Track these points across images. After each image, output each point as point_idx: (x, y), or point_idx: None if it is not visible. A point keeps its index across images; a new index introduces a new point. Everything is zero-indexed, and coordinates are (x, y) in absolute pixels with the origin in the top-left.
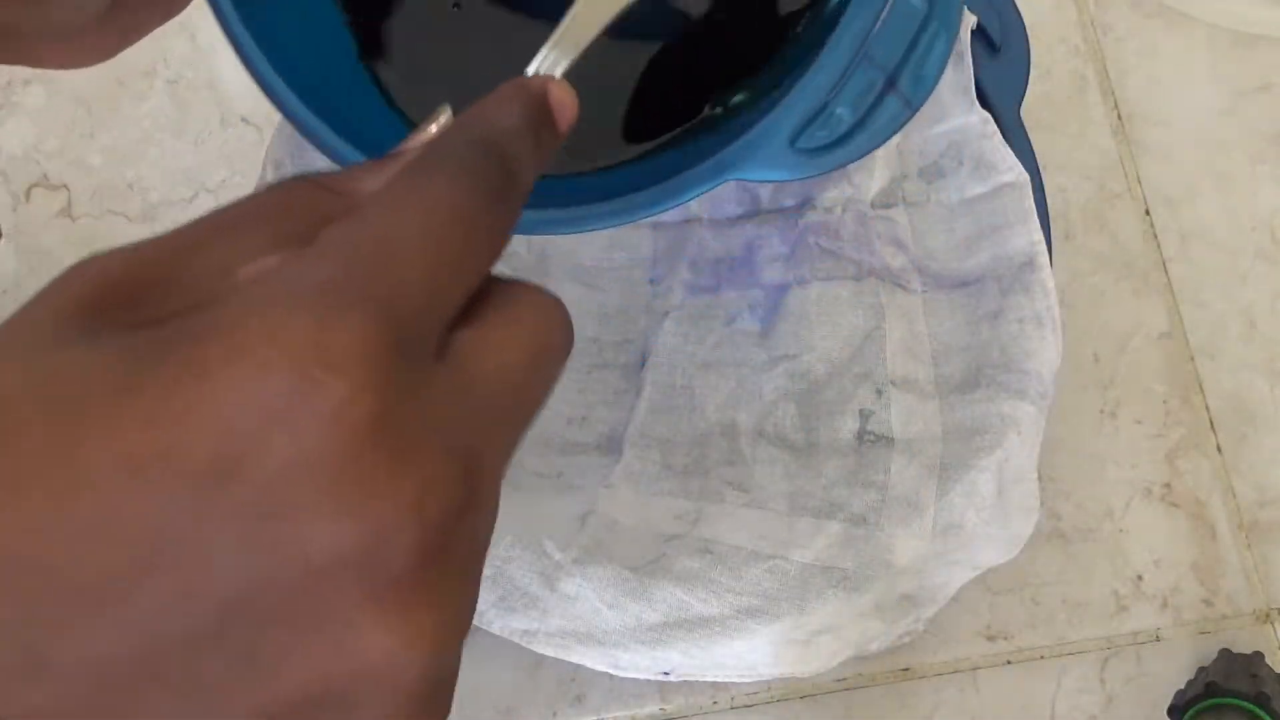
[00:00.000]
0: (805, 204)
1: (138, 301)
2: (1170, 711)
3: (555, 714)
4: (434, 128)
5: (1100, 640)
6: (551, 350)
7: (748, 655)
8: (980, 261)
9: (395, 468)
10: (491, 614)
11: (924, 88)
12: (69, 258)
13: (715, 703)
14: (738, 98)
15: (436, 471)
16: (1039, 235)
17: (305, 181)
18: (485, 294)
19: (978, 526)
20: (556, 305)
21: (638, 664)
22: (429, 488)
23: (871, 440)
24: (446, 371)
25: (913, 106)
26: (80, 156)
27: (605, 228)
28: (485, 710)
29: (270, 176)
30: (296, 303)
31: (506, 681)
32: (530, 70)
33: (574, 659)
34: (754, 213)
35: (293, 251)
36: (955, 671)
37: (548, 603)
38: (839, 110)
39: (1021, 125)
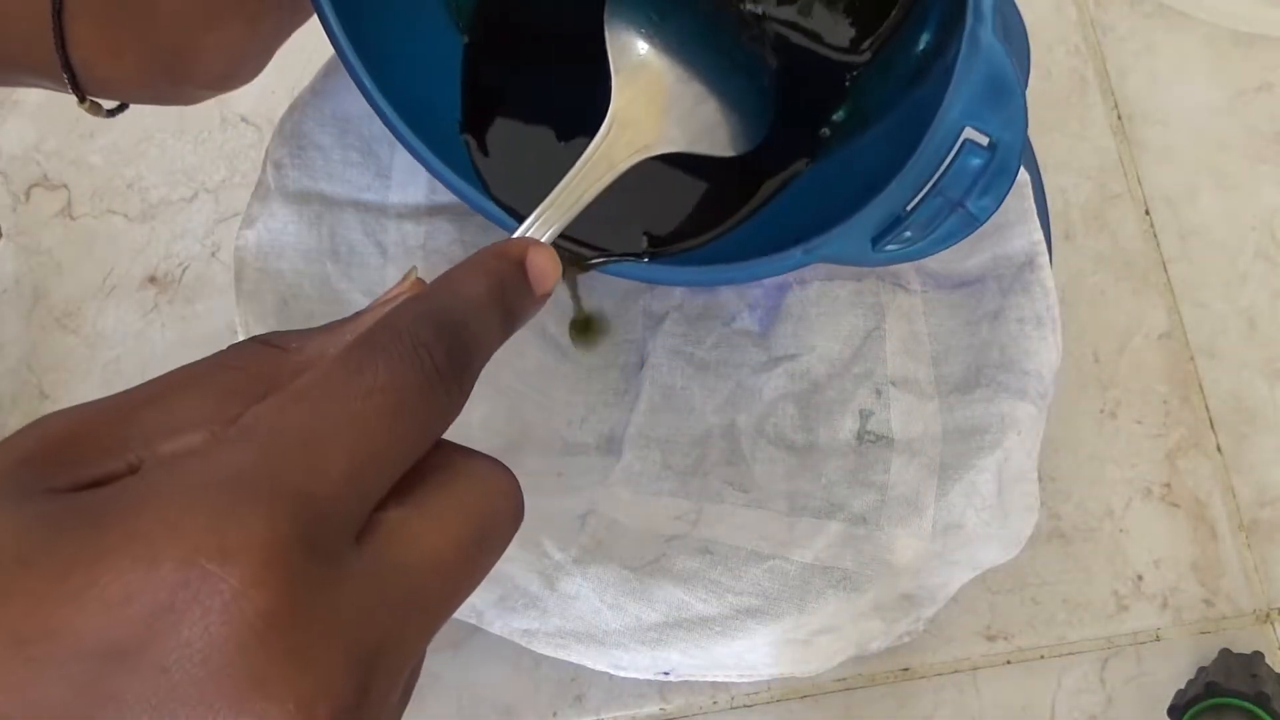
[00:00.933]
0: None
1: (72, 461)
2: (1170, 711)
3: (555, 714)
4: (400, 288)
5: (1100, 640)
6: (491, 530)
7: (748, 655)
8: (980, 261)
9: (287, 668)
10: (491, 614)
11: (988, 211)
12: (69, 257)
13: (715, 702)
14: (833, 122)
15: (332, 673)
16: (1039, 235)
17: (258, 344)
18: (425, 465)
19: (978, 526)
20: (502, 478)
21: (638, 664)
22: (321, 690)
23: (871, 440)
24: (364, 560)
25: (979, 221)
26: (80, 156)
27: (692, 285)
28: (485, 710)
29: (270, 177)
30: (201, 492)
31: (506, 681)
32: (519, 232)
33: (573, 659)
34: None
35: (216, 431)
36: (955, 671)
37: (547, 602)
38: (912, 223)
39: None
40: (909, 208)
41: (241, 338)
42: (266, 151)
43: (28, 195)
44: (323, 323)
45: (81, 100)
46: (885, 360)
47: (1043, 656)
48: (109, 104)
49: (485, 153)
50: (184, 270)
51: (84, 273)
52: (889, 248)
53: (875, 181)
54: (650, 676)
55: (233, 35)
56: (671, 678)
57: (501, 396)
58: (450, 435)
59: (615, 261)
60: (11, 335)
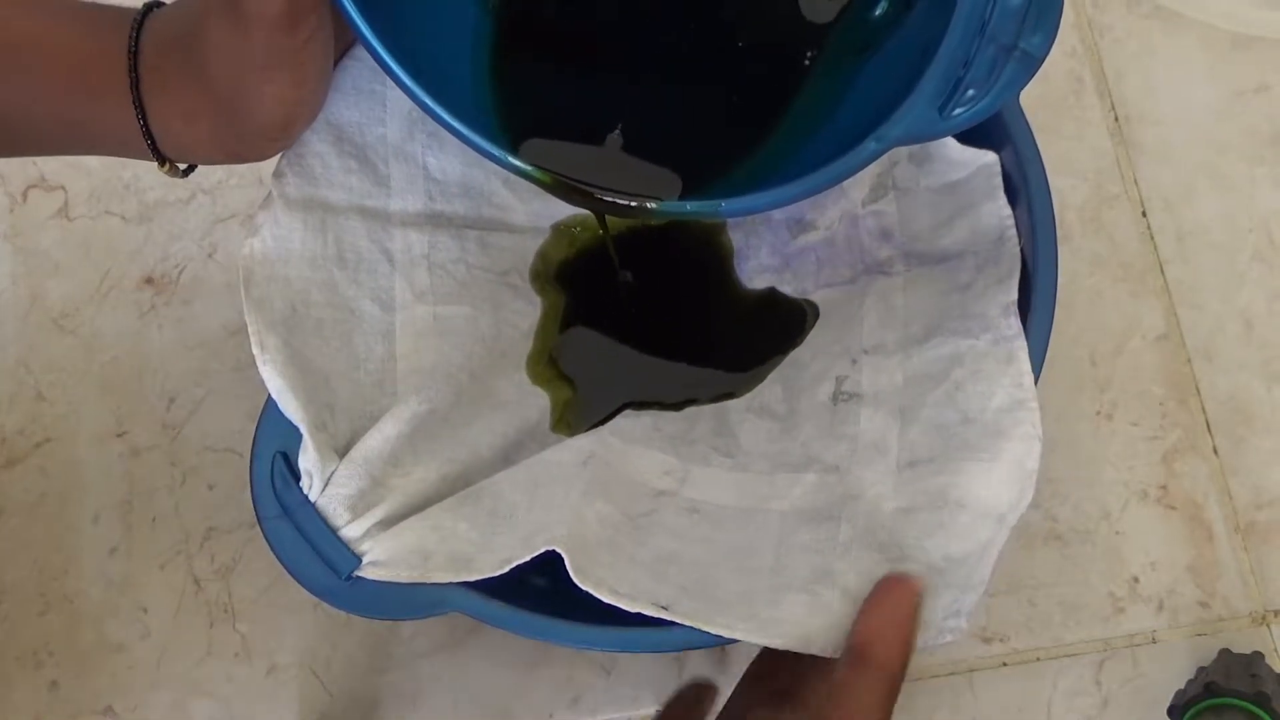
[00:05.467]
0: (801, 221)
1: None
2: (1170, 711)
3: (551, 715)
4: None
5: (1097, 642)
6: None
7: (750, 597)
8: (959, 238)
9: None
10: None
11: (1043, 47)
12: (66, 258)
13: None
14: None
15: None
16: (1008, 210)
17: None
18: None
19: (954, 453)
20: None
21: (638, 585)
22: None
23: (845, 399)
24: None
25: (1037, 59)
26: (77, 157)
27: (789, 203)
28: (482, 711)
29: (273, 186)
30: None
31: (503, 682)
32: None
33: (584, 582)
34: (739, 222)
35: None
36: (951, 674)
37: (575, 509)
38: (972, 80)
39: (1021, 110)
40: (965, 65)
41: (255, 346)
42: (277, 163)
43: (25, 196)
44: (332, 329)
45: (162, 164)
46: (862, 336)
47: (1039, 659)
48: (183, 164)
49: (511, 110)
50: (181, 271)
51: (81, 274)
52: (956, 112)
53: (931, 54)
54: (648, 609)
55: (283, 82)
56: (671, 614)
57: (501, 410)
58: (458, 454)
59: (703, 204)
60: (9, 336)
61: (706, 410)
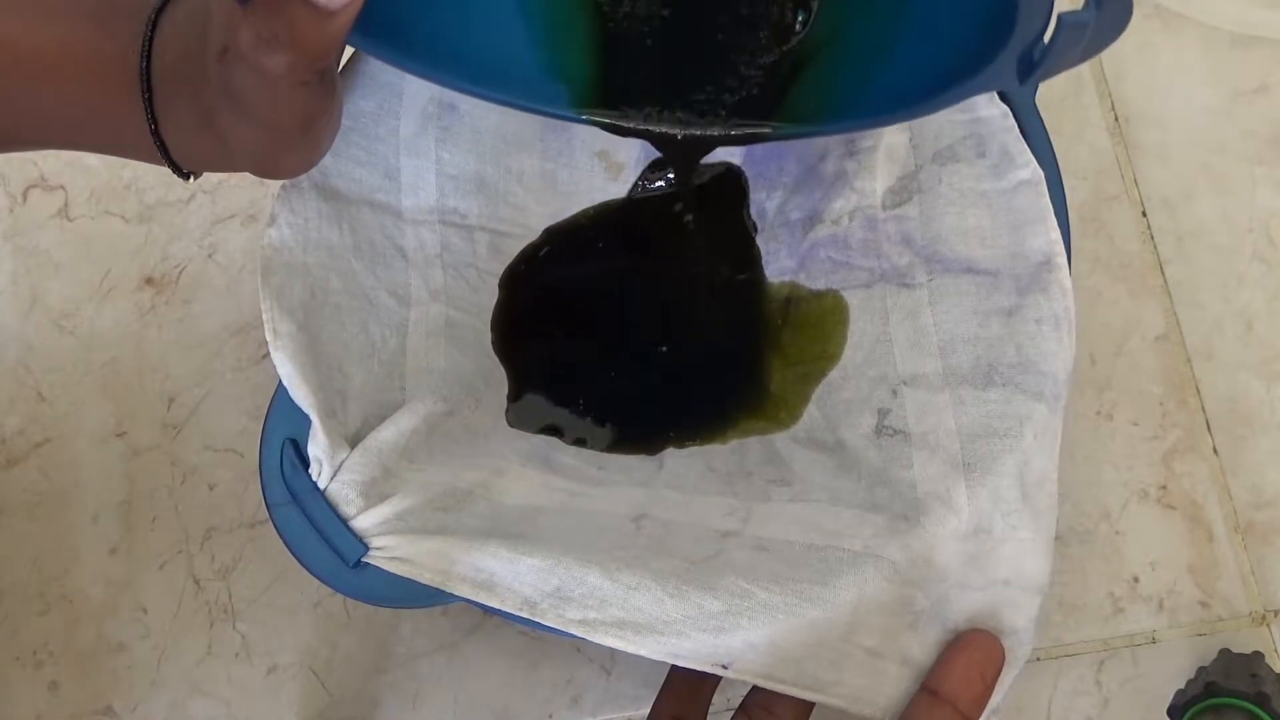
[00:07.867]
0: (812, 217)
1: None
2: (1170, 711)
3: (551, 716)
4: None
5: (1096, 642)
6: None
7: (816, 655)
8: (994, 255)
9: None
10: (546, 604)
11: None
12: (66, 258)
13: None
14: None
15: None
16: (1057, 234)
17: None
18: None
19: (1005, 531)
20: None
21: (699, 653)
22: None
23: (890, 434)
24: None
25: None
26: (77, 157)
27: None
28: (481, 712)
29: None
30: None
31: (503, 683)
32: None
33: (630, 649)
34: (760, 228)
35: None
36: None
37: (607, 592)
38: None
39: (1038, 113)
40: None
41: (269, 333)
42: None
43: (25, 196)
44: (350, 315)
45: (186, 179)
46: (895, 363)
47: (1039, 658)
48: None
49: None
50: (181, 271)
51: (81, 274)
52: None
53: None
54: (708, 668)
55: (303, 151)
56: (730, 673)
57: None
58: (479, 460)
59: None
60: (9, 336)
61: (753, 440)
